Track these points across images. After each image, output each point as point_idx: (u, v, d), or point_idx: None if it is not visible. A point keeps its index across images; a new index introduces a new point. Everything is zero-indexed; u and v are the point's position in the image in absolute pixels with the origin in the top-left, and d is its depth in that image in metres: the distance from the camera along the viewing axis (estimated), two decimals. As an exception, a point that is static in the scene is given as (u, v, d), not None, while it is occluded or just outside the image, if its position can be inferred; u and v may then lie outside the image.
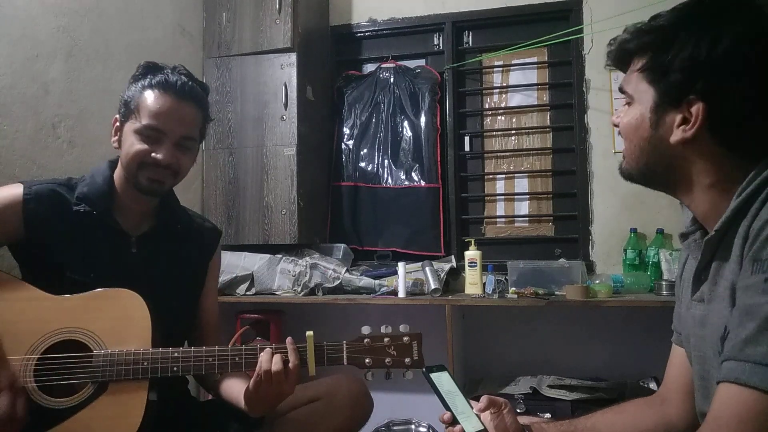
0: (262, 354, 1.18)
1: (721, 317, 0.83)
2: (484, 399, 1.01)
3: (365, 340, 1.22)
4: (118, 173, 1.35)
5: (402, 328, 1.24)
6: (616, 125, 0.98)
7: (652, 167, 0.92)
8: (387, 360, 1.21)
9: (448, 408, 0.98)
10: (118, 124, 1.34)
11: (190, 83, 1.33)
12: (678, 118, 0.86)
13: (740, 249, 0.80)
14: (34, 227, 1.25)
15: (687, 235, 0.97)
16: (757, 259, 0.76)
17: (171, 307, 1.31)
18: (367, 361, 1.21)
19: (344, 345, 1.22)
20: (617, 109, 1.00)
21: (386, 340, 1.22)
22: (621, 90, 0.96)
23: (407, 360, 1.21)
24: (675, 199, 0.96)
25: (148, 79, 1.31)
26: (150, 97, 1.29)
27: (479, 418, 0.98)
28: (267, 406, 1.22)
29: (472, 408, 1.00)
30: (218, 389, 1.37)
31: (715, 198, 0.87)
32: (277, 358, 1.17)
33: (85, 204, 1.29)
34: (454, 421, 0.96)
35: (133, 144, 1.28)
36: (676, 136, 0.87)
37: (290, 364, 1.17)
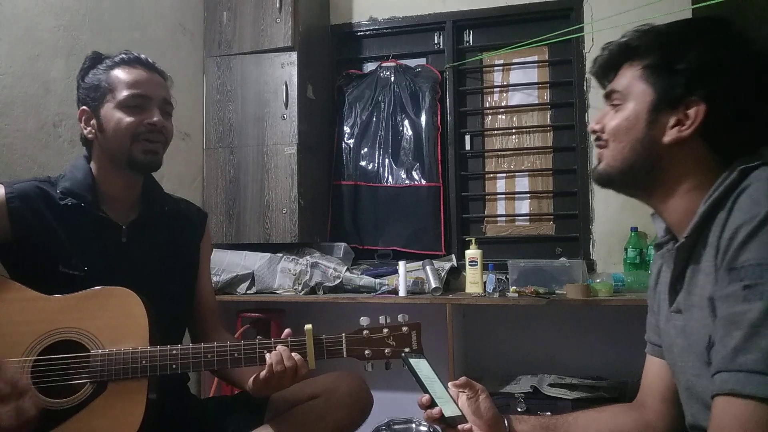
0: (273, 355, 1.18)
1: (702, 326, 0.83)
2: (462, 378, 1.04)
3: (364, 332, 1.22)
4: (96, 164, 1.34)
5: (401, 317, 1.24)
6: (596, 131, 0.98)
7: (637, 169, 0.92)
8: (386, 351, 1.21)
9: (426, 391, 0.99)
10: (88, 113, 1.32)
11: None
12: (673, 119, 0.88)
13: (712, 258, 0.80)
14: (22, 225, 1.23)
15: (661, 245, 0.98)
16: (733, 268, 0.76)
17: (167, 291, 1.31)
18: (366, 352, 1.21)
19: (343, 337, 1.22)
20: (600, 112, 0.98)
21: (385, 330, 1.22)
22: (610, 93, 0.96)
23: (407, 350, 1.20)
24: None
25: (105, 63, 1.32)
26: (121, 73, 1.30)
27: (457, 405, 1.00)
28: (273, 392, 1.24)
29: (450, 395, 1.01)
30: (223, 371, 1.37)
31: (690, 203, 0.88)
32: (287, 356, 1.17)
33: (71, 197, 1.27)
34: (432, 404, 0.97)
35: (121, 119, 1.28)
36: (670, 136, 0.88)
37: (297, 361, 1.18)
